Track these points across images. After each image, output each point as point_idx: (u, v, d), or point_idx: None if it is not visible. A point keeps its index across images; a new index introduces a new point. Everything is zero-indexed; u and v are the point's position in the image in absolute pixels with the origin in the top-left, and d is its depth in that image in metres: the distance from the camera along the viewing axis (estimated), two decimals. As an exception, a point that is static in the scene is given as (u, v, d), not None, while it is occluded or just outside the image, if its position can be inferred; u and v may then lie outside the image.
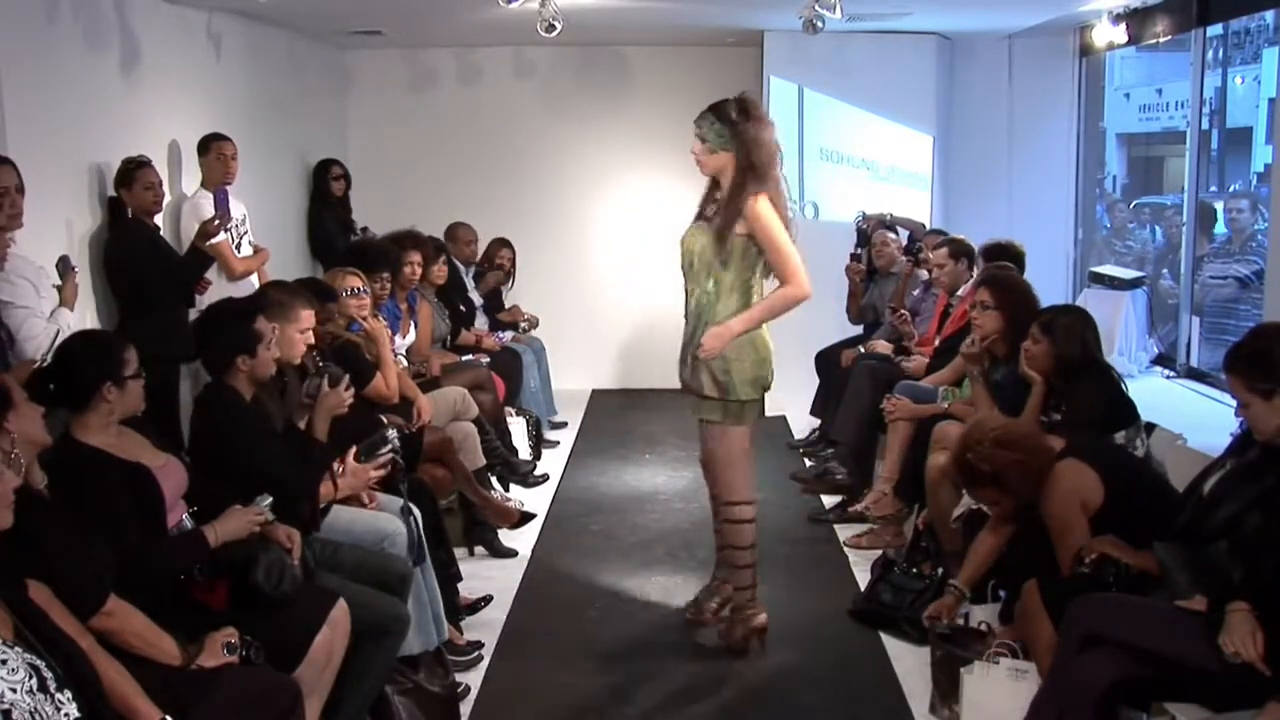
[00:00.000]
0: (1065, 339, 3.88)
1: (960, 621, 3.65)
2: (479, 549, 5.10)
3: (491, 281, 7.20)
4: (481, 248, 7.26)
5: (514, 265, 7.48)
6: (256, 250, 5.54)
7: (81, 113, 4.63)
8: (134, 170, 4.63)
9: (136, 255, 4.63)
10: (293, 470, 3.36)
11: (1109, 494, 3.26)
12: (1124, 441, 3.77)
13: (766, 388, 3.98)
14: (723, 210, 3.86)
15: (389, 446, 3.71)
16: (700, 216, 3.99)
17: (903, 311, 5.97)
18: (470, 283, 6.95)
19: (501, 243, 7.40)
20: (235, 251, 5.31)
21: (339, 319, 4.55)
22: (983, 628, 3.55)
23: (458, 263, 6.84)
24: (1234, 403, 2.94)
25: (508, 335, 6.99)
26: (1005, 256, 5.31)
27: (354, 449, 3.68)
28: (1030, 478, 3.35)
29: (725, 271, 3.87)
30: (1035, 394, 3.98)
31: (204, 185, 5.32)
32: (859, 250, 6.78)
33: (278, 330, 3.58)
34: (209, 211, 5.08)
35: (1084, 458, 3.33)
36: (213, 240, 4.91)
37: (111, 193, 4.71)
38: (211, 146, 5.31)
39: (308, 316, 3.71)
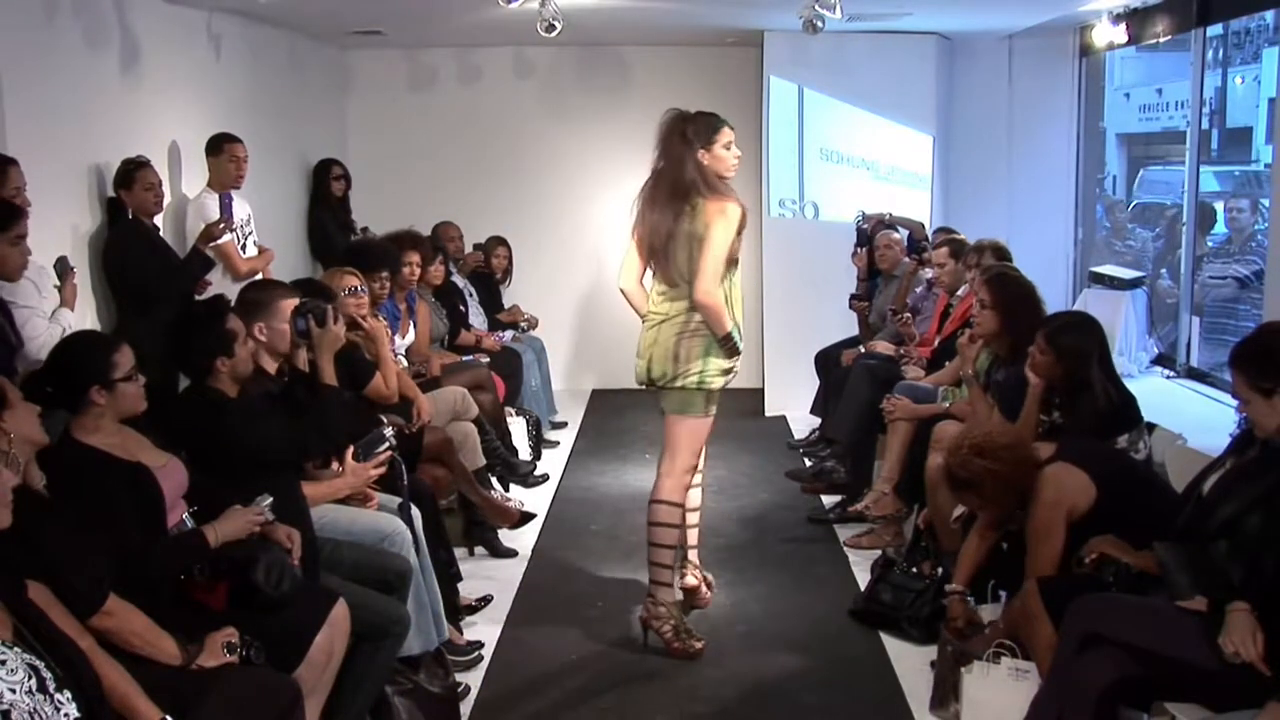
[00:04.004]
0: (1071, 358, 3.77)
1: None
2: (479, 549, 5.10)
3: (471, 262, 7.22)
4: (469, 245, 7.33)
5: (510, 264, 7.49)
6: (261, 251, 5.54)
7: (81, 113, 4.64)
8: (134, 171, 4.63)
9: (136, 256, 4.63)
10: (299, 437, 3.40)
11: (1102, 494, 3.25)
12: (1127, 445, 3.74)
13: None
14: None
15: (386, 444, 3.71)
16: None
17: (905, 314, 5.95)
18: (457, 279, 6.92)
19: (498, 241, 7.44)
20: (240, 252, 5.31)
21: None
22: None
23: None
24: (1234, 402, 2.95)
25: (508, 335, 6.98)
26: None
27: (351, 448, 3.68)
28: (1006, 489, 3.34)
29: None
30: (1033, 394, 3.96)
31: (210, 185, 5.30)
32: (859, 250, 6.75)
33: (264, 331, 3.60)
34: (214, 213, 5.07)
35: (1073, 460, 3.32)
36: (217, 241, 4.92)
37: (111, 193, 4.71)
38: (224, 148, 5.28)
39: (289, 304, 3.70)
